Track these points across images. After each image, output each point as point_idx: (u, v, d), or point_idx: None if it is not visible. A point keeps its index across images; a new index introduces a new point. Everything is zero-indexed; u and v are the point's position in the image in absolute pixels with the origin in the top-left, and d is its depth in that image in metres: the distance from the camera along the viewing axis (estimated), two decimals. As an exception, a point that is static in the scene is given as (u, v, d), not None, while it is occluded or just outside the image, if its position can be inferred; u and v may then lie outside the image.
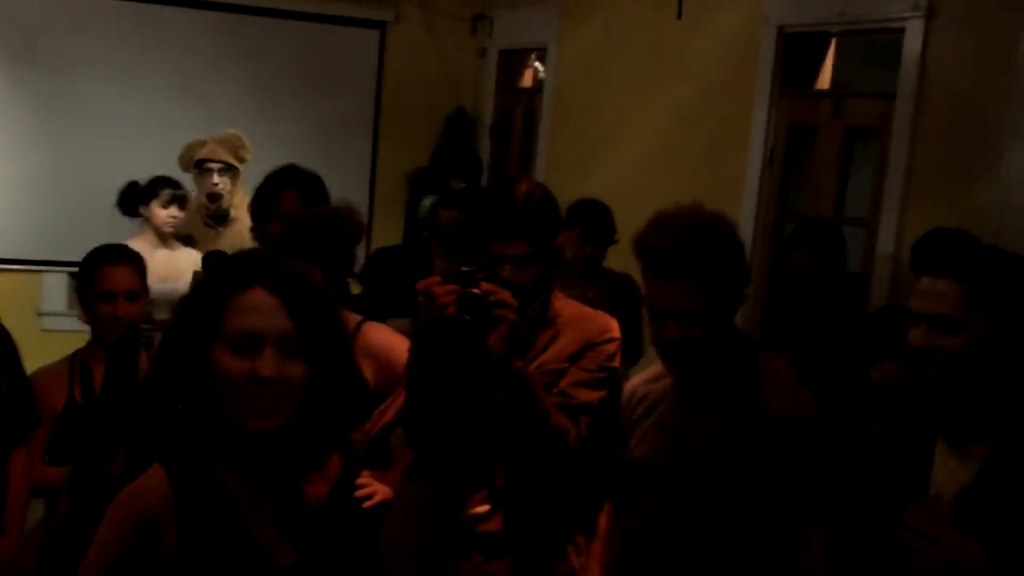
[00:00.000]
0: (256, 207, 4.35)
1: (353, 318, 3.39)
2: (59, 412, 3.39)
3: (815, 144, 5.41)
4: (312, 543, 2.02)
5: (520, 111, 8.25)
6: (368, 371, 3.20)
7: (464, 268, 2.81)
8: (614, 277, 5.29)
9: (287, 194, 4.27)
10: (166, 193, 5.53)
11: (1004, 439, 2.29)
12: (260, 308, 1.91)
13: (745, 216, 5.47)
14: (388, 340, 3.49)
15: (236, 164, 5.88)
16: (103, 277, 3.45)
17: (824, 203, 5.24)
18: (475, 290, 2.72)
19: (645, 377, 2.91)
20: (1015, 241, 3.94)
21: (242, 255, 2.10)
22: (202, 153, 5.83)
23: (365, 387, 2.33)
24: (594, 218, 5.34)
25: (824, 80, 5.56)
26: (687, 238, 2.56)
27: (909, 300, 2.40)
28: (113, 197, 5.76)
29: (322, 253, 3.32)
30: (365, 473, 3.12)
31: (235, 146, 5.89)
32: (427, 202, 5.55)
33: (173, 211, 5.55)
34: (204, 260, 4.77)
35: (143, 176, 5.68)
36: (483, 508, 3.10)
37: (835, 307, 4.59)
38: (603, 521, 3.01)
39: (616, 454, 2.92)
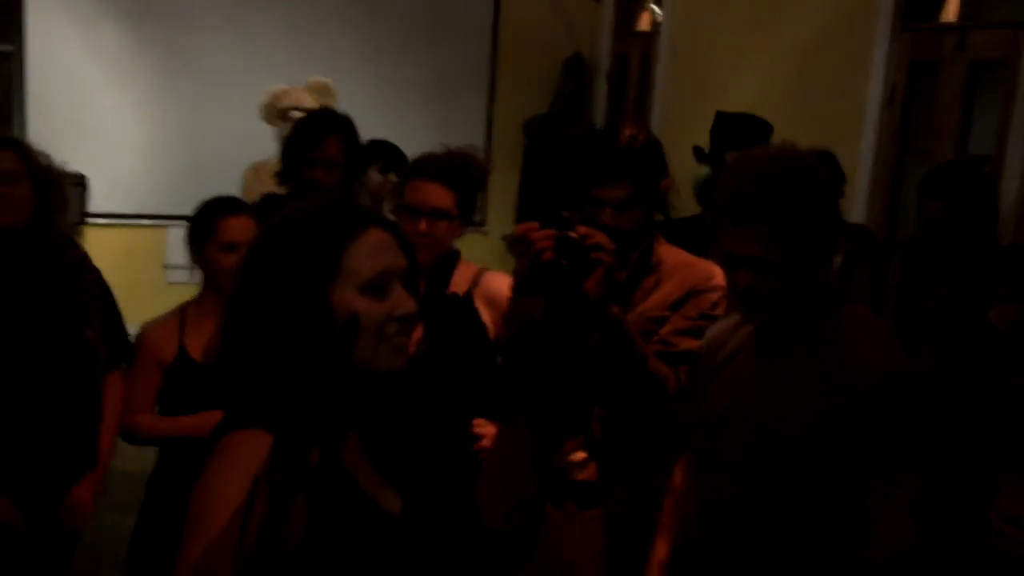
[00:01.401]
0: (294, 151, 4.27)
1: (473, 267, 3.36)
2: (169, 364, 3.42)
3: (938, 80, 5.24)
4: (417, 488, 2.00)
5: (637, 56, 8.14)
6: (488, 318, 3.20)
7: (563, 213, 2.78)
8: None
9: (330, 140, 4.23)
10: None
11: None
12: (383, 247, 1.89)
13: (864, 156, 5.34)
14: (505, 286, 3.46)
15: (324, 104, 5.68)
16: (225, 227, 3.45)
17: (947, 142, 5.08)
18: (572, 234, 2.68)
19: (727, 324, 2.83)
20: None
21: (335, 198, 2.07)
22: (286, 101, 5.75)
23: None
24: None
25: (949, 12, 5.39)
26: (763, 183, 2.45)
27: None
28: (231, 150, 5.74)
29: (456, 182, 3.28)
30: (479, 421, 3.14)
31: (321, 93, 5.78)
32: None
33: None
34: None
35: (260, 130, 5.68)
36: (580, 456, 3.11)
37: (976, 249, 4.37)
38: (678, 475, 2.96)
39: (695, 406, 2.86)
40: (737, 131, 5.07)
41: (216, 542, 1.63)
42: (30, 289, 3.31)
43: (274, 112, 5.72)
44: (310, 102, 5.58)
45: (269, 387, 1.86)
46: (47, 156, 3.37)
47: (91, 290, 3.46)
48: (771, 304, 2.53)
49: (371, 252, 1.88)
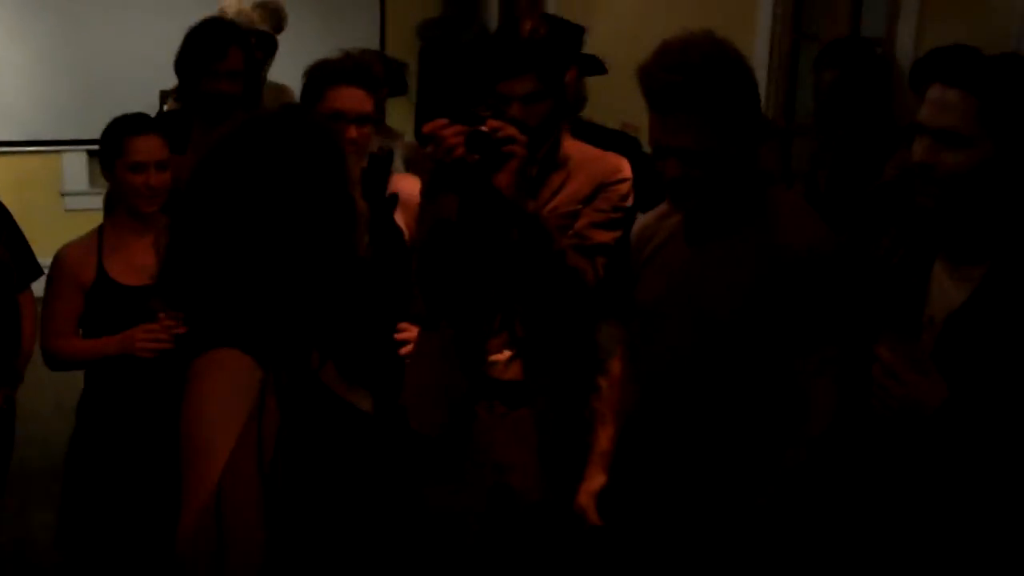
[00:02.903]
0: (193, 65, 4.09)
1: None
2: (89, 286, 3.35)
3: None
4: (383, 386, 2.00)
5: (527, -45, 8.02)
6: (402, 222, 3.13)
7: (472, 108, 2.71)
8: None
9: (233, 50, 4.08)
10: None
11: (1001, 262, 2.17)
12: None
13: (760, 42, 5.31)
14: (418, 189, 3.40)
15: (273, 34, 5.52)
16: (131, 148, 3.34)
17: (839, 24, 5.05)
18: (483, 128, 2.61)
19: (654, 215, 2.81)
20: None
21: None
22: (234, 19, 5.51)
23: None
24: None
25: None
26: (687, 72, 2.40)
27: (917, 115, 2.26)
28: (129, 71, 5.57)
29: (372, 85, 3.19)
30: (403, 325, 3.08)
31: (272, 14, 5.57)
32: None
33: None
34: None
35: (157, 50, 5.49)
36: (504, 355, 3.08)
37: (869, 125, 4.40)
38: (615, 365, 2.93)
39: (626, 295, 2.83)
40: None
41: (233, 461, 1.65)
42: None
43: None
44: (260, 22, 5.39)
45: (247, 306, 1.83)
46: None
47: None
48: (700, 192, 2.51)
49: None
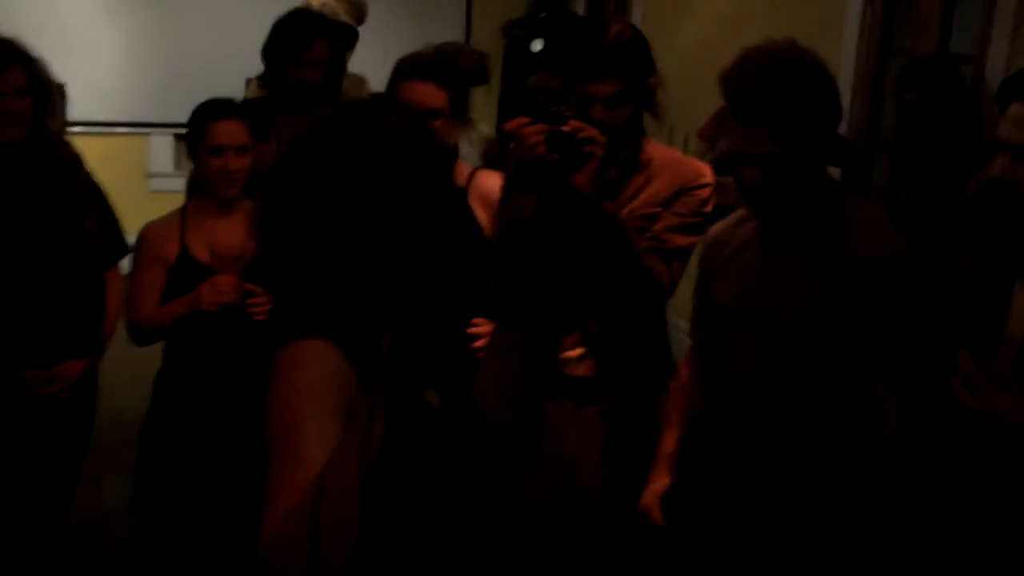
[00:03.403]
0: (280, 53, 4.14)
1: (466, 167, 3.30)
2: (172, 263, 3.40)
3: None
4: (450, 381, 2.00)
5: (616, -41, 8.01)
6: (483, 217, 3.15)
7: (553, 108, 2.73)
8: None
9: (319, 40, 4.13)
10: None
11: None
12: None
13: (846, 55, 5.28)
14: (498, 185, 3.42)
15: (355, 26, 5.53)
16: (212, 131, 3.39)
17: (929, 39, 5.01)
18: (564, 127, 2.63)
19: (729, 221, 2.81)
20: None
21: None
22: (320, 11, 5.59)
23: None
24: None
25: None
26: (769, 82, 2.41)
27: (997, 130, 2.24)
28: (217, 58, 5.63)
29: (446, 80, 3.19)
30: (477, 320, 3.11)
31: (355, 7, 5.63)
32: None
33: None
34: None
35: (244, 38, 5.56)
36: (576, 352, 3.10)
37: (953, 144, 4.36)
38: (683, 370, 2.95)
39: (697, 299, 2.83)
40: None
41: (336, 465, 1.62)
42: (30, 187, 3.31)
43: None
44: (343, 14, 5.45)
45: (342, 297, 1.83)
46: (44, 63, 3.34)
47: (86, 186, 3.46)
48: (778, 200, 2.50)
49: None
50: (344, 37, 5.01)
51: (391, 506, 1.70)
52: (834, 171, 4.15)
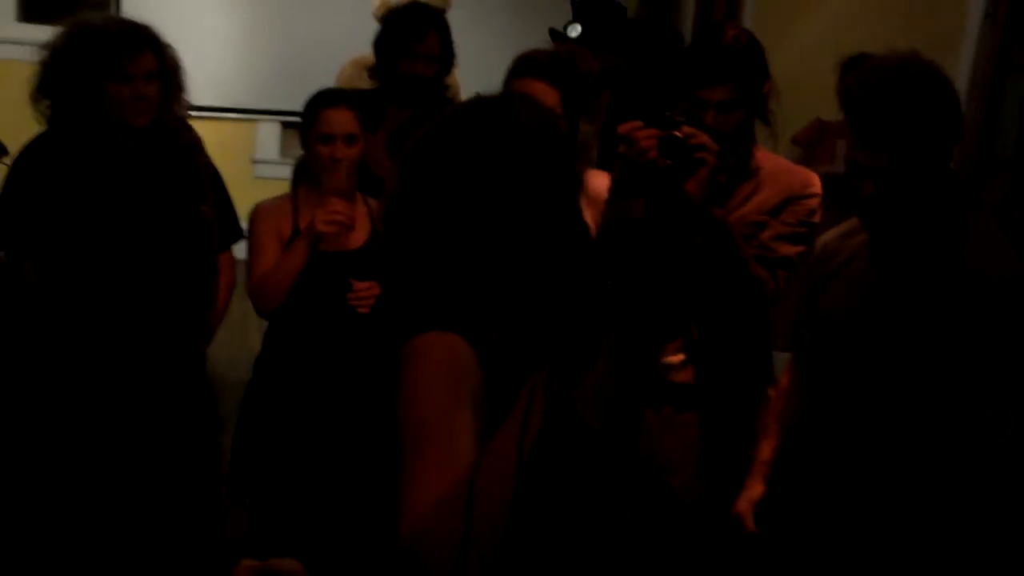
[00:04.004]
0: (393, 45, 4.23)
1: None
2: (287, 238, 3.45)
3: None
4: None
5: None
6: (589, 217, 3.16)
7: (667, 113, 2.73)
8: None
9: (431, 34, 4.20)
10: None
11: None
12: None
13: (962, 70, 5.18)
14: (606, 185, 3.42)
15: (444, 7, 5.52)
16: (323, 119, 3.45)
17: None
18: (676, 133, 2.63)
19: (839, 232, 2.80)
20: None
21: None
22: (401, 1, 5.66)
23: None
24: None
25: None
26: (893, 97, 2.39)
27: None
28: (327, 47, 5.67)
29: (560, 79, 3.21)
30: None
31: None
32: None
33: None
34: None
35: (348, 25, 5.62)
36: (678, 358, 3.09)
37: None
38: (783, 379, 2.93)
39: (803, 309, 2.81)
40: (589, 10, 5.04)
41: (493, 457, 1.62)
42: (151, 170, 3.37)
43: (387, 10, 5.57)
44: (428, 1, 5.48)
45: (475, 290, 1.85)
46: (173, 50, 3.41)
47: (205, 170, 3.53)
48: (894, 213, 2.49)
49: None
50: None
51: (542, 498, 1.70)
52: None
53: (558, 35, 5.02)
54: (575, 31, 4.98)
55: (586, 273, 1.90)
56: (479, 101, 2.02)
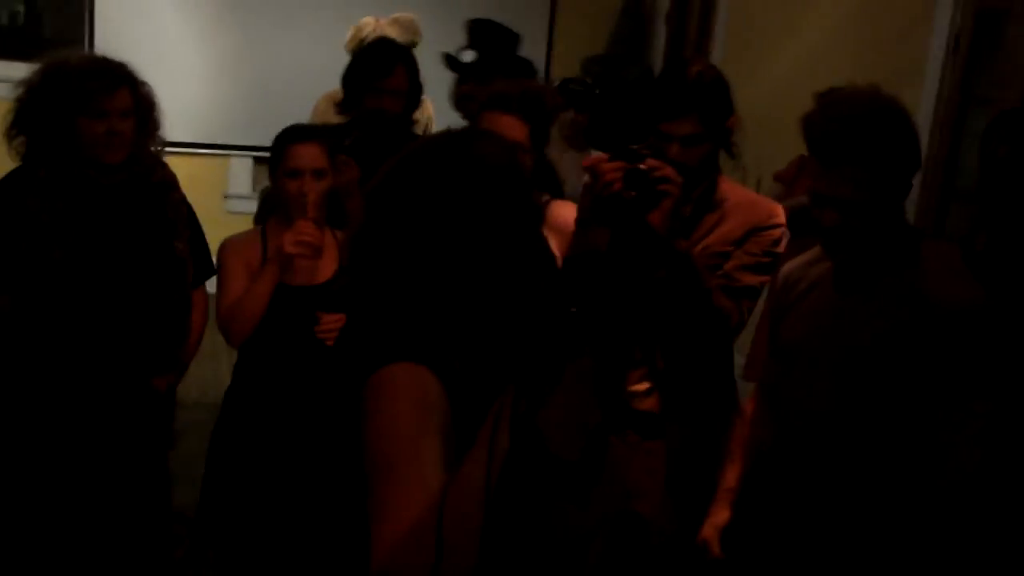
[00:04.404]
0: (359, 80, 4.28)
1: (542, 196, 3.35)
2: (255, 269, 3.46)
3: (1006, 28, 5.13)
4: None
5: (697, 2, 8.03)
6: (555, 246, 3.21)
7: (632, 146, 2.78)
8: None
9: (398, 69, 4.25)
10: None
11: None
12: None
13: (925, 103, 5.26)
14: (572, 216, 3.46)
15: (413, 42, 5.56)
16: (291, 154, 3.47)
17: (1013, 91, 4.98)
18: (641, 166, 2.68)
19: (802, 261, 2.84)
20: None
21: None
22: (370, 35, 5.58)
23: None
24: None
25: (1018, -39, 5.28)
26: (852, 125, 2.45)
27: None
28: (297, 85, 5.70)
29: (529, 114, 3.26)
30: None
31: (406, 28, 5.73)
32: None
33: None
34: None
35: (320, 62, 5.68)
36: (643, 386, 3.12)
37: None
38: (748, 405, 2.98)
39: (768, 338, 2.86)
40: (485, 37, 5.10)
41: (462, 480, 1.63)
42: (125, 207, 3.38)
43: (358, 44, 5.64)
44: (396, 36, 5.53)
45: (438, 321, 1.87)
46: (149, 87, 3.44)
47: (179, 207, 3.54)
48: (855, 242, 2.53)
49: None
50: None
51: (512, 523, 1.72)
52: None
53: (453, 61, 5.04)
54: (469, 56, 5.03)
55: (549, 300, 1.94)
56: (442, 136, 2.06)
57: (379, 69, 4.23)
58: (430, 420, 1.77)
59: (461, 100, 4.82)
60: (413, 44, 5.64)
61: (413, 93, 4.34)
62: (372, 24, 5.72)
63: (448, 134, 2.08)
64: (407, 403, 1.78)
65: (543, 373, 1.68)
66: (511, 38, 5.08)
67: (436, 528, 1.62)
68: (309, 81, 6.31)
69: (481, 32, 5.07)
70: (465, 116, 4.70)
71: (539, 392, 1.68)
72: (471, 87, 4.69)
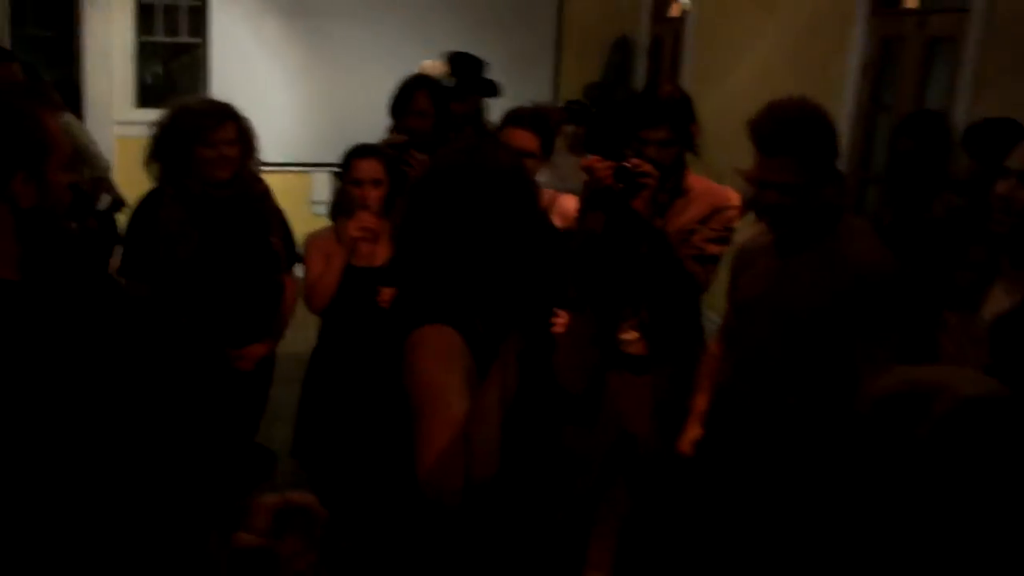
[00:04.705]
0: (396, 107, 4.33)
1: (549, 192, 3.33)
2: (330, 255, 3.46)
3: (903, 53, 5.09)
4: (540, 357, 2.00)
5: (670, 36, 7.95)
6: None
7: (618, 149, 2.76)
8: None
9: (419, 94, 4.26)
10: None
11: None
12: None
13: (846, 110, 5.24)
14: (575, 207, 3.44)
15: (444, 74, 5.69)
16: (355, 167, 3.48)
17: (909, 100, 4.94)
18: (626, 164, 2.67)
19: (752, 235, 2.83)
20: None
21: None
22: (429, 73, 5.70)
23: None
24: None
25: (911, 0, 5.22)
26: (788, 124, 2.44)
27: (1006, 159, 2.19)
28: (362, 114, 5.69)
29: (539, 129, 3.24)
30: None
31: (443, 71, 5.77)
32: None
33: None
34: None
35: (382, 97, 5.67)
36: (632, 335, 3.11)
37: (931, 180, 4.25)
38: (714, 347, 2.97)
39: (728, 295, 2.84)
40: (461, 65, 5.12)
41: (481, 402, 1.66)
42: (233, 214, 3.38)
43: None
44: (440, 73, 5.55)
45: (463, 292, 1.88)
46: (248, 121, 3.42)
47: (274, 212, 3.54)
48: (791, 217, 2.51)
49: None
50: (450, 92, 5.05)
51: (524, 438, 1.74)
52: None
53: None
54: (450, 82, 5.03)
55: (551, 270, 1.94)
56: (462, 146, 2.06)
57: (405, 96, 4.30)
58: (454, 366, 1.78)
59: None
60: (443, 76, 5.62)
61: (440, 112, 4.31)
62: (430, 64, 5.72)
63: (467, 145, 2.07)
64: (436, 355, 1.79)
65: (538, 321, 1.69)
66: (479, 64, 5.10)
67: (464, 441, 1.64)
68: (377, 111, 6.32)
69: (458, 62, 5.06)
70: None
71: (536, 334, 1.70)
72: (453, 104, 4.74)
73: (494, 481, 1.68)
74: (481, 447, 1.64)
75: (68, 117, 5.36)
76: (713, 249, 3.08)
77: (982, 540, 1.01)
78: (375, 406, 2.09)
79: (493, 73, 5.23)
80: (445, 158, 1.99)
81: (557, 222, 3.21)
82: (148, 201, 3.36)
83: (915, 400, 1.08)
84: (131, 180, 4.00)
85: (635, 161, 2.69)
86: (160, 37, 8.12)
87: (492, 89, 5.06)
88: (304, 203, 8.10)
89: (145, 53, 8.11)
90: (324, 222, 3.86)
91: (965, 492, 0.87)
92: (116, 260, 3.52)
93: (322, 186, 8.24)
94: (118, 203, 5.29)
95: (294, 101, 8.04)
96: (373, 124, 6.09)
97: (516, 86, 7.61)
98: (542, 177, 3.56)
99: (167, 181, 3.33)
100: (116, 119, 7.80)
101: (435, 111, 4.29)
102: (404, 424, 1.79)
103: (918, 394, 1.09)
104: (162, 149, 3.31)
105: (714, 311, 3.23)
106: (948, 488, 0.88)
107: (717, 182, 3.27)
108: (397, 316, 1.95)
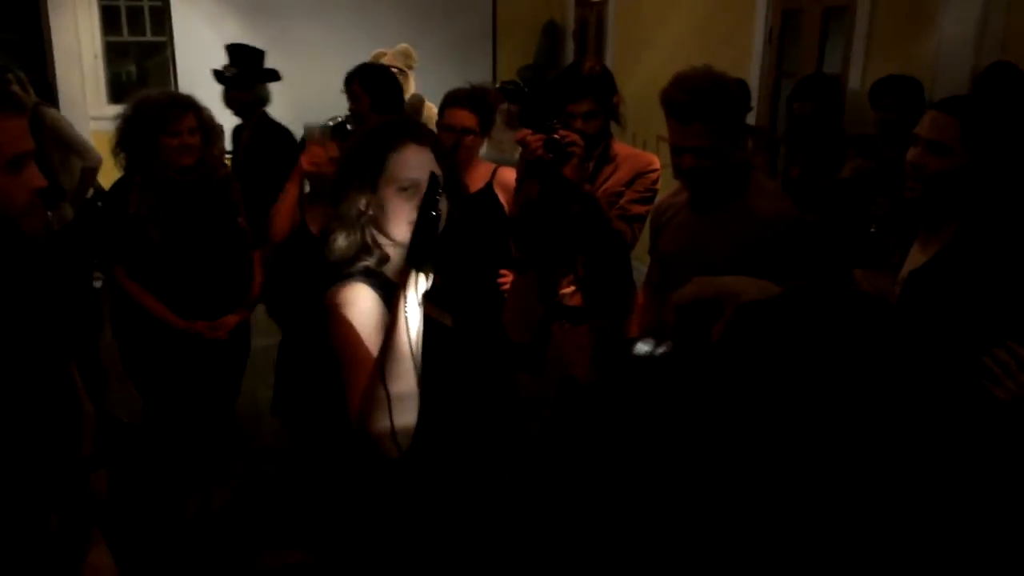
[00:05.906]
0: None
1: (491, 165, 3.28)
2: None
3: (802, 23, 5.07)
4: (463, 310, 1.98)
5: (594, 20, 7.90)
6: (504, 200, 3.14)
7: (548, 122, 2.72)
8: None
9: (355, 82, 4.08)
10: None
11: (961, 236, 2.07)
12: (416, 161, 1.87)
13: (753, 77, 5.22)
14: (514, 178, 3.36)
15: (406, 70, 5.60)
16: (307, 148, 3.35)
17: (808, 66, 4.94)
18: (555, 136, 2.62)
19: (669, 194, 2.80)
20: (947, 84, 3.68)
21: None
22: (384, 62, 5.53)
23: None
24: None
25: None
26: (699, 93, 2.39)
27: (914, 128, 2.14)
28: (318, 111, 5.58)
29: (478, 107, 3.17)
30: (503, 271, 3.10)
31: (406, 56, 5.66)
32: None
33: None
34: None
35: (333, 86, 5.56)
36: (570, 289, 3.10)
37: (828, 138, 4.26)
38: (640, 297, 2.95)
39: (650, 249, 2.83)
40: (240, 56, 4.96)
41: (391, 344, 1.63)
42: (199, 197, 3.31)
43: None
44: (398, 63, 5.44)
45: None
46: (209, 111, 3.34)
47: (239, 194, 3.45)
48: (704, 178, 2.48)
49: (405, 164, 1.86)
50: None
51: (440, 390, 1.71)
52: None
53: (220, 75, 4.87)
54: (231, 71, 4.93)
55: (494, 239, 1.90)
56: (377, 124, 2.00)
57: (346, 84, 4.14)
58: (370, 319, 1.76)
59: (230, 102, 4.75)
60: (410, 67, 5.53)
61: (376, 96, 4.13)
62: (383, 53, 5.64)
63: (380, 121, 2.01)
64: (354, 312, 1.78)
65: (444, 263, 1.68)
66: (258, 55, 4.99)
67: (381, 379, 1.62)
68: (329, 101, 6.20)
69: (237, 53, 4.95)
70: (236, 113, 4.75)
71: (447, 276, 1.68)
72: (237, 93, 4.66)
73: (429, 423, 1.64)
74: (397, 383, 1.61)
75: (54, 112, 5.24)
76: (638, 209, 3.05)
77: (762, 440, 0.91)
78: (321, 364, 2.07)
79: (437, 59, 5.15)
80: (364, 134, 1.95)
81: (499, 191, 3.17)
82: (117, 187, 3.29)
83: (712, 306, 1.04)
84: (107, 170, 3.91)
85: (563, 132, 2.64)
86: (126, 37, 7.91)
87: (273, 75, 4.96)
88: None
89: (118, 52, 7.90)
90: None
91: (759, 388, 0.83)
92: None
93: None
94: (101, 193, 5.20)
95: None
96: (329, 110, 5.99)
97: (457, 70, 7.54)
98: (483, 151, 3.51)
99: (134, 169, 3.24)
100: (91, 115, 7.59)
101: (371, 95, 4.15)
102: (334, 376, 1.77)
103: (714, 301, 1.05)
104: (128, 139, 3.22)
105: (642, 263, 3.22)
106: (745, 385, 0.83)
107: (641, 149, 3.25)
108: (328, 277, 1.92)
